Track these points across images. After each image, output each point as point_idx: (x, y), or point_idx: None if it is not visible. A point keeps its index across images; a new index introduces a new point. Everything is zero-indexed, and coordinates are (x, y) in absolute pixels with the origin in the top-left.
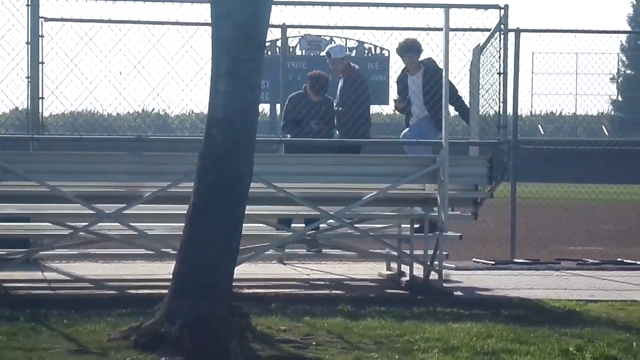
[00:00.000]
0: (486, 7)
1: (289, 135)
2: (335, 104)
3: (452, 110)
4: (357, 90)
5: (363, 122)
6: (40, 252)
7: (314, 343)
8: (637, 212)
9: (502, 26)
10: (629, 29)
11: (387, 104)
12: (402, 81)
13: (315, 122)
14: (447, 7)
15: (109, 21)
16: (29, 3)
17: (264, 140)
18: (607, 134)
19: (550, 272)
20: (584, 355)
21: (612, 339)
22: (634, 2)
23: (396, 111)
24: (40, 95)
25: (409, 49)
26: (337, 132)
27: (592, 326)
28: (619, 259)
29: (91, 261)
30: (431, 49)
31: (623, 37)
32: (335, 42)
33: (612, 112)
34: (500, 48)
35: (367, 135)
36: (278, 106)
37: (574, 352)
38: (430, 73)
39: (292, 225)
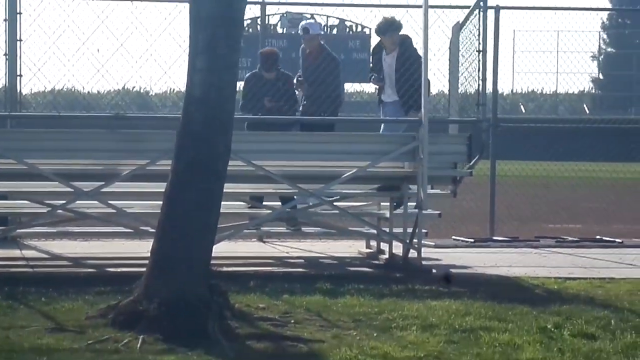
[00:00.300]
0: None
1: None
2: (298, 81)
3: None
4: (328, 68)
5: (333, 100)
6: (18, 230)
7: (292, 321)
8: (617, 190)
9: (481, 3)
10: (610, 6)
11: (368, 82)
12: (376, 54)
13: (268, 98)
14: None
15: None
16: None
17: (241, 118)
18: (588, 112)
19: (529, 250)
20: (562, 333)
21: (590, 316)
22: None
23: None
24: (18, 73)
25: (387, 28)
26: (301, 108)
27: (571, 304)
28: (597, 237)
29: (70, 239)
30: (410, 26)
31: (604, 15)
32: (314, 20)
33: (593, 90)
34: (479, 25)
35: (336, 114)
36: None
37: (552, 329)
38: (405, 56)
39: (270, 203)
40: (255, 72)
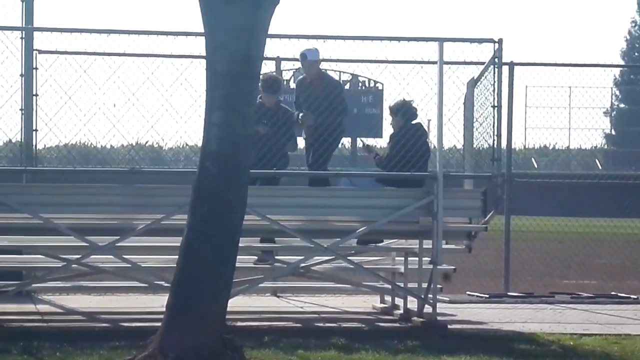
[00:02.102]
0: (480, 40)
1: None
2: (302, 115)
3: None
4: (333, 94)
5: (339, 133)
6: (33, 285)
7: None
8: (631, 245)
9: (496, 60)
10: (622, 63)
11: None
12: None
13: (262, 125)
14: (441, 40)
15: (103, 54)
16: (23, 35)
17: (256, 173)
18: (600, 167)
19: (544, 306)
20: None
21: None
22: (627, 37)
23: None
24: (34, 128)
25: (398, 111)
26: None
27: None
28: (612, 293)
29: (84, 294)
30: (425, 82)
31: (617, 71)
32: (313, 47)
33: (606, 146)
34: (494, 81)
35: (338, 140)
36: None
37: None
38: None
39: (284, 257)
40: (258, 102)
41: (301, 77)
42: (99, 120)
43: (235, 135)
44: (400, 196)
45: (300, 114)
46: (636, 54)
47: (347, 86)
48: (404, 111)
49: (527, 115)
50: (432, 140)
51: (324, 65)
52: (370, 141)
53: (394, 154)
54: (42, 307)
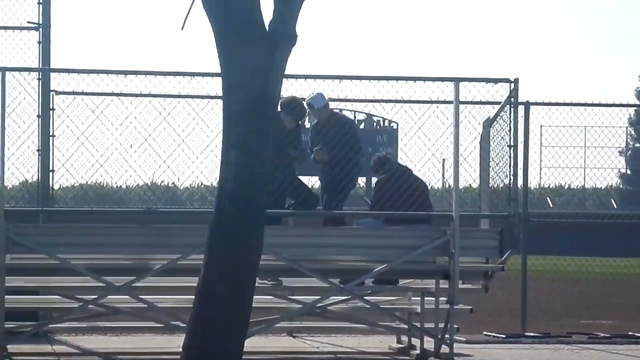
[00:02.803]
0: (496, 80)
1: None
2: (316, 151)
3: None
4: (343, 130)
5: (355, 171)
6: (50, 325)
7: None
8: None
9: (512, 99)
10: (637, 102)
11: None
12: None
13: (318, 148)
14: (457, 80)
15: (119, 94)
16: (40, 77)
17: (272, 213)
18: (615, 207)
19: (561, 346)
20: None
21: None
22: None
23: None
24: (50, 168)
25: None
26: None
27: None
28: (630, 333)
29: (101, 334)
30: (441, 121)
31: (632, 111)
32: (316, 93)
33: (621, 186)
34: (510, 121)
35: (356, 178)
36: None
37: None
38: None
39: (300, 297)
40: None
41: (315, 121)
42: (115, 161)
43: (252, 175)
44: (416, 236)
45: (315, 149)
46: None
47: (362, 125)
48: (385, 166)
49: (543, 154)
50: (448, 180)
51: (340, 105)
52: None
53: (378, 197)
54: (58, 348)
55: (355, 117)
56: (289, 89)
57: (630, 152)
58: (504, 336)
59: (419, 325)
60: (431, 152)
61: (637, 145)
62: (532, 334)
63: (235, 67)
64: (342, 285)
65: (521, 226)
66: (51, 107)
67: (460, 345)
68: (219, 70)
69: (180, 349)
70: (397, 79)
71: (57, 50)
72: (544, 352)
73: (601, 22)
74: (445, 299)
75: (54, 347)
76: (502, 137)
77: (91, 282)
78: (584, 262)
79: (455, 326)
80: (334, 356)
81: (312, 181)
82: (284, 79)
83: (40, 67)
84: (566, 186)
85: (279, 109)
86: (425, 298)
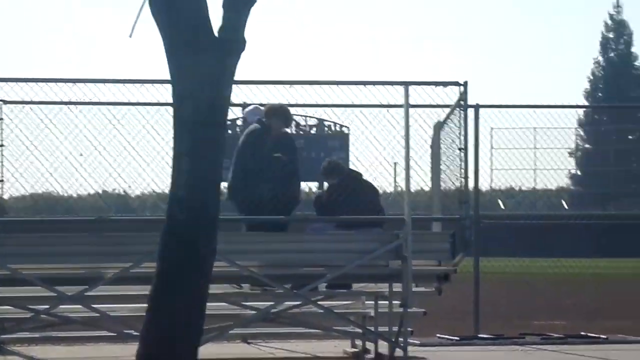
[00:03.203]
0: (446, 84)
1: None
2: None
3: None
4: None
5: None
6: (2, 336)
7: None
8: (599, 285)
9: (461, 102)
10: (586, 103)
11: None
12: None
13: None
14: (407, 84)
15: (69, 103)
16: None
17: (225, 219)
18: (566, 208)
19: (515, 347)
20: None
21: None
22: (591, 77)
23: None
24: (0, 178)
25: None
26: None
27: None
28: (582, 333)
29: (54, 344)
30: (392, 125)
31: (581, 112)
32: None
33: (571, 187)
34: (460, 124)
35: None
36: None
37: None
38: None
39: (254, 303)
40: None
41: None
42: (66, 170)
43: (204, 182)
44: (369, 240)
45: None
46: (599, 94)
47: (313, 130)
48: (335, 171)
49: (493, 156)
50: (400, 183)
51: (291, 110)
52: None
53: (330, 202)
54: (11, 359)
55: (306, 122)
56: (239, 94)
57: (579, 153)
58: (457, 338)
59: (373, 329)
60: (382, 156)
61: (587, 146)
62: (485, 336)
63: (185, 75)
64: (295, 291)
65: (473, 228)
66: (0, 116)
67: (415, 348)
68: (169, 77)
69: (134, 358)
70: (347, 83)
71: (5, 59)
72: (497, 353)
73: (548, 23)
74: (399, 302)
75: (7, 358)
76: (452, 140)
77: (43, 292)
78: (535, 263)
79: (409, 329)
80: None
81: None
82: (234, 86)
83: None
84: (517, 188)
85: (265, 116)
86: (379, 302)
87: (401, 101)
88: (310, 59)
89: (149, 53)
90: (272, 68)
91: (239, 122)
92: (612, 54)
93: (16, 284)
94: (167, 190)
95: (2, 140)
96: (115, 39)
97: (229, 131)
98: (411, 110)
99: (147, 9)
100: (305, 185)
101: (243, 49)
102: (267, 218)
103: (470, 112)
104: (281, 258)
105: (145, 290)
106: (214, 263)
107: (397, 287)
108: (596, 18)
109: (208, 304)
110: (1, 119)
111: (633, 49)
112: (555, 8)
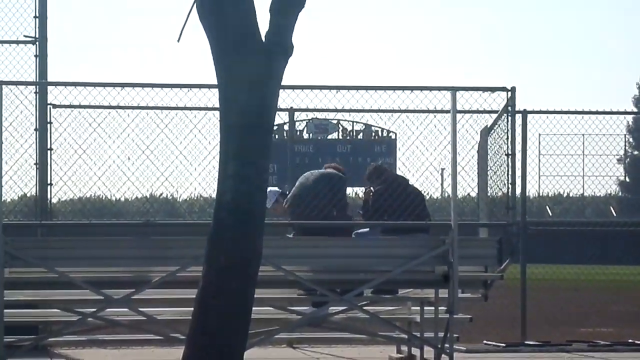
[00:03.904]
0: (493, 89)
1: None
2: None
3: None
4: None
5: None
6: (49, 339)
7: None
8: None
9: (509, 108)
10: (635, 110)
11: None
12: None
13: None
14: (454, 89)
15: (117, 107)
16: (37, 90)
17: (272, 223)
18: (615, 215)
19: (561, 354)
20: None
21: None
22: (639, 84)
23: None
24: (48, 182)
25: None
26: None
27: None
28: (630, 340)
29: (100, 347)
30: (439, 130)
31: (630, 118)
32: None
33: (620, 193)
34: (507, 129)
35: None
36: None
37: None
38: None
39: (299, 308)
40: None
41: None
42: (113, 173)
43: (250, 186)
44: (415, 245)
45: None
46: None
47: (360, 136)
48: (382, 176)
49: (541, 162)
50: (447, 189)
51: (337, 116)
52: None
53: (376, 208)
54: None
55: (353, 127)
56: (286, 99)
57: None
58: (504, 345)
59: (418, 335)
60: (429, 162)
61: (636, 152)
62: (532, 343)
63: (232, 80)
64: (341, 296)
65: (520, 235)
66: (49, 120)
67: (460, 354)
68: (216, 82)
69: None
70: (394, 88)
71: (54, 63)
72: None
73: (599, 30)
74: (445, 308)
75: None
76: (499, 146)
77: (90, 295)
78: (583, 270)
79: (455, 335)
80: None
81: None
82: (281, 90)
83: (38, 80)
84: (565, 194)
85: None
86: (425, 307)
87: (448, 106)
88: (357, 64)
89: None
90: (319, 73)
91: (285, 127)
92: None
93: (63, 287)
94: (213, 195)
95: (50, 144)
96: (163, 44)
97: (275, 136)
98: (458, 115)
99: (195, 14)
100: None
101: (291, 53)
102: (313, 222)
103: (518, 117)
104: (327, 263)
105: (191, 293)
106: (260, 267)
107: (443, 293)
108: None
109: (254, 308)
110: (50, 122)
111: None
112: (603, 15)
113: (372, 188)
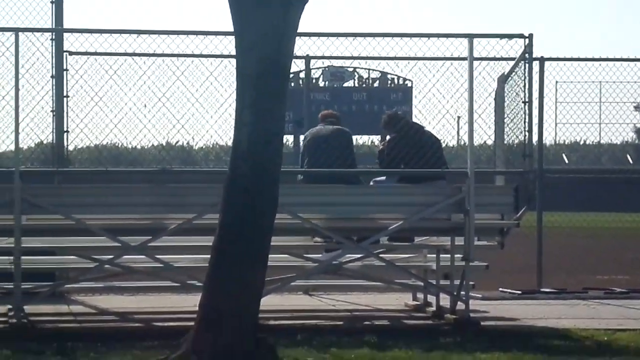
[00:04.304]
0: (510, 36)
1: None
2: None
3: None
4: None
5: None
6: (66, 286)
7: None
8: None
9: (526, 55)
10: None
11: None
12: None
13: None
14: (471, 37)
15: (133, 54)
16: (54, 37)
17: (288, 172)
18: (631, 162)
19: (577, 302)
20: None
21: None
22: None
23: None
24: (65, 129)
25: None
26: None
27: (621, 355)
28: None
29: (117, 294)
30: (455, 78)
31: None
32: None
33: (637, 141)
34: (524, 77)
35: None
36: (302, 137)
37: None
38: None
39: (315, 255)
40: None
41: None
42: (130, 121)
43: (267, 135)
44: (431, 193)
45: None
46: None
47: (376, 84)
48: (398, 124)
49: (558, 110)
50: (463, 137)
51: (353, 63)
52: None
53: (392, 156)
54: (75, 308)
55: (369, 74)
56: (302, 47)
57: None
58: (519, 292)
59: (434, 283)
60: (446, 110)
61: None
62: (548, 290)
63: (249, 27)
64: (357, 244)
65: (536, 182)
66: (65, 67)
67: (476, 301)
68: (232, 30)
69: (197, 308)
70: (410, 35)
71: (70, 10)
72: (560, 307)
73: None
74: (461, 256)
75: (70, 307)
76: (516, 94)
77: (107, 242)
78: (599, 218)
79: (471, 283)
80: (350, 314)
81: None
82: (297, 38)
83: (54, 27)
84: (581, 142)
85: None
86: (441, 255)
87: (465, 54)
88: (373, 11)
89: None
90: (335, 21)
91: (301, 75)
92: None
93: (80, 234)
94: (229, 143)
95: (67, 91)
96: None
97: (292, 84)
98: (475, 63)
99: None
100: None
101: (307, 0)
102: (330, 170)
103: (535, 65)
104: (343, 211)
105: (208, 241)
106: (276, 215)
107: (459, 241)
108: None
109: (271, 256)
110: (66, 70)
111: None
112: None
113: (387, 136)
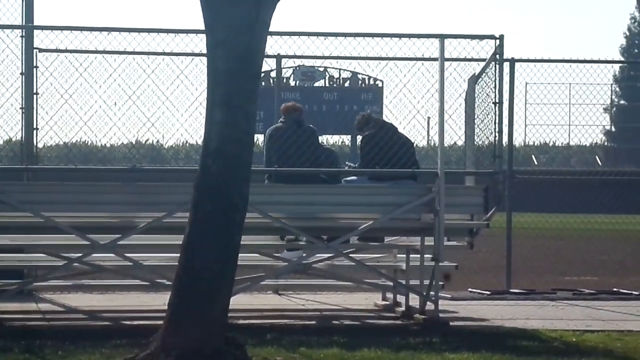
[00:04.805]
0: (481, 37)
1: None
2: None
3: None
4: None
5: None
6: (35, 283)
7: None
8: (632, 241)
9: (497, 56)
10: (622, 59)
11: None
12: None
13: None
14: (442, 37)
15: (103, 52)
16: (23, 34)
17: (258, 170)
18: (600, 164)
19: (546, 302)
20: None
21: None
22: (627, 33)
23: None
24: (34, 126)
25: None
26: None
27: (589, 357)
28: (614, 289)
29: (85, 292)
30: (426, 78)
31: (617, 67)
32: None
33: (606, 143)
34: (495, 78)
35: None
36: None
37: None
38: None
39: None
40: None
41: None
42: (100, 119)
43: (238, 133)
44: (402, 193)
45: None
46: (635, 50)
47: (347, 83)
48: (370, 123)
49: (528, 111)
50: (434, 137)
51: (325, 63)
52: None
53: (363, 154)
54: (43, 306)
55: (340, 75)
56: (273, 46)
57: (615, 109)
58: (489, 293)
59: (404, 283)
60: (416, 110)
61: (622, 102)
62: (516, 291)
63: (220, 24)
64: (327, 243)
65: (506, 183)
66: (35, 64)
67: (446, 302)
68: (203, 27)
69: (166, 307)
70: (382, 35)
71: (40, 7)
72: (528, 308)
73: None
74: (431, 256)
75: (39, 305)
76: (487, 94)
77: (76, 240)
78: (568, 219)
79: (440, 283)
80: (320, 313)
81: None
82: (268, 37)
83: (23, 24)
84: (551, 143)
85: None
86: (411, 255)
87: (436, 54)
88: (344, 11)
89: (184, 3)
90: (307, 20)
91: (272, 74)
92: None
93: (49, 232)
94: (199, 141)
95: (36, 89)
96: None
97: (262, 83)
98: (446, 63)
99: None
100: (338, 139)
101: None
102: (300, 170)
103: (506, 66)
104: (313, 210)
105: (177, 240)
106: (246, 214)
107: (429, 241)
108: None
109: (240, 255)
110: (36, 67)
111: None
112: None
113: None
